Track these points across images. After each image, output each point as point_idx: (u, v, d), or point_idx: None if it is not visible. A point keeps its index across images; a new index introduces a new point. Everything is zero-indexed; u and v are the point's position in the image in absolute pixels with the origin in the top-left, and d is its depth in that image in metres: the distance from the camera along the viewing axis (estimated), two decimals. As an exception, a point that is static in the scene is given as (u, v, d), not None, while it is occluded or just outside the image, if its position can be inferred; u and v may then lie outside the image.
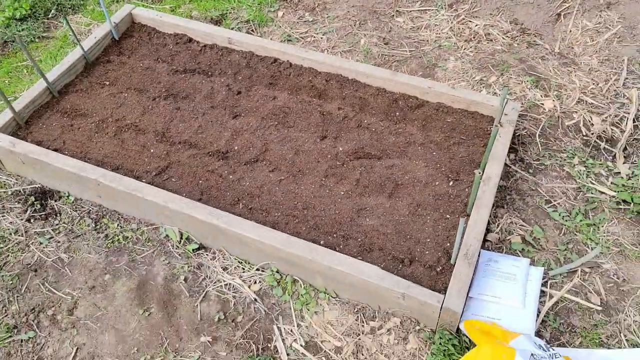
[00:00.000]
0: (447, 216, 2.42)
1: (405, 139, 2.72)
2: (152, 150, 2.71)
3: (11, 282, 2.39)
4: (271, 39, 3.50)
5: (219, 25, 3.63)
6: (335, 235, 2.37)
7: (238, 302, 2.31)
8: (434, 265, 2.25)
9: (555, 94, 3.03)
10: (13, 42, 3.74)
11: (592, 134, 2.83)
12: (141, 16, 3.38)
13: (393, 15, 3.61)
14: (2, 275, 2.40)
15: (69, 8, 3.96)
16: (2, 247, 2.50)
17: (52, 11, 3.93)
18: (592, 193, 2.61)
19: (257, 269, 2.40)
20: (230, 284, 2.37)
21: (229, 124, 2.82)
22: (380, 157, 2.65)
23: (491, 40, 3.37)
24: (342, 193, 2.51)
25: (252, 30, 3.58)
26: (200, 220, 2.34)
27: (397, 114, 2.83)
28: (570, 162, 2.74)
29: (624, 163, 2.70)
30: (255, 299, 2.32)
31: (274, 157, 2.66)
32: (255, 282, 2.37)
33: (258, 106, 2.89)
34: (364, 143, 2.70)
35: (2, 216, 2.61)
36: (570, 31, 3.34)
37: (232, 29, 3.56)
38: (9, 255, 2.48)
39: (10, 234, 2.55)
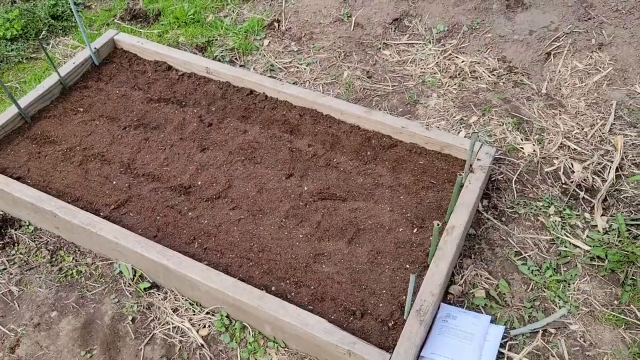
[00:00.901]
0: (407, 266, 2.32)
1: (374, 181, 2.63)
2: (114, 182, 2.66)
3: (-42, 314, 2.35)
4: (254, 68, 3.45)
5: (203, 52, 3.60)
6: (288, 282, 2.28)
7: (184, 348, 2.23)
8: (386, 320, 2.14)
9: (537, 138, 2.91)
10: (1, 62, 3.75)
11: (572, 182, 2.71)
12: (123, 42, 3.37)
13: (380, 48, 3.54)
14: (-50, 307, 2.36)
15: (60, 30, 3.97)
16: (-46, 277, 2.47)
17: (43, 32, 3.95)
18: (565, 246, 2.49)
19: (208, 312, 2.32)
20: (178, 327, 2.29)
21: (195, 157, 2.76)
22: (345, 199, 2.56)
23: (476, 77, 3.27)
24: (301, 236, 2.43)
25: (236, 59, 3.54)
26: (151, 260, 2.28)
27: (369, 153, 2.74)
28: (545, 211, 2.61)
29: (602, 215, 2.57)
30: (202, 345, 2.24)
31: (237, 195, 2.59)
32: (205, 327, 2.29)
33: (227, 140, 2.83)
34: (330, 183, 2.62)
35: (-40, 244, 2.58)
36: (560, 71, 3.23)
37: (216, 56, 3.53)
38: (-41, 285, 2.44)
39: (-35, 262, 2.52)
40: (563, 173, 2.76)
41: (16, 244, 2.60)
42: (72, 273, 2.48)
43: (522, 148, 2.87)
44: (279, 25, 3.74)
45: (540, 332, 2.21)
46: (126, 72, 3.26)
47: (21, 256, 2.55)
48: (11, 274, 2.48)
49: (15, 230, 2.65)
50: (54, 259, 2.53)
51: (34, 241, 2.60)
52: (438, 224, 2.04)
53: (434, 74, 3.34)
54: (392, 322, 2.13)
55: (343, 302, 2.21)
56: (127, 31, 3.79)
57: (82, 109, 3.04)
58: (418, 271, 2.28)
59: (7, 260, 2.53)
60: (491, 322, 2.23)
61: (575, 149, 2.85)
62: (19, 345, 2.25)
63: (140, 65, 3.29)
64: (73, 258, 2.53)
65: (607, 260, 2.40)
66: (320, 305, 2.20)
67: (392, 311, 2.17)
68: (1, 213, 2.70)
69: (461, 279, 2.39)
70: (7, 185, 2.56)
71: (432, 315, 2.12)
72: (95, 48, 3.26)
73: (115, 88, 3.16)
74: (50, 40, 3.86)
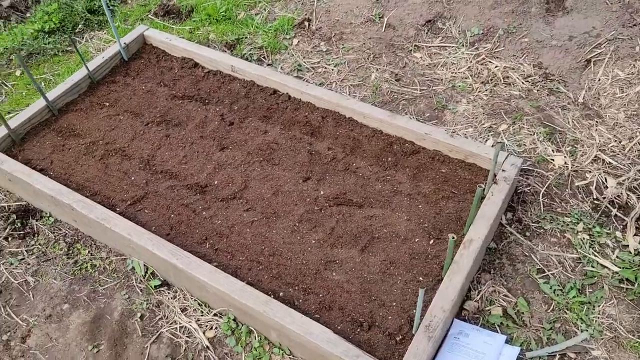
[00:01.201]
0: (420, 278, 2.23)
1: (393, 188, 2.55)
2: (132, 178, 2.67)
3: (-25, 301, 2.41)
4: (281, 67, 3.42)
5: (232, 50, 3.59)
6: (297, 288, 2.23)
7: (189, 348, 2.22)
8: (394, 334, 2.07)
9: (570, 149, 2.76)
10: (38, 54, 3.84)
11: (604, 198, 2.56)
12: (153, 38, 3.39)
13: (411, 50, 3.44)
14: (-32, 294, 2.42)
15: (95, 24, 4.03)
16: (-26, 264, 2.53)
17: (80, 26, 4.01)
18: (592, 266, 2.35)
19: (215, 314, 2.30)
20: (185, 327, 2.28)
21: (214, 156, 2.74)
22: (362, 206, 2.49)
23: (509, 84, 3.14)
24: (314, 242, 2.38)
25: (264, 57, 3.51)
26: (162, 258, 2.27)
27: (390, 159, 2.66)
28: (573, 228, 2.48)
29: (634, 235, 2.42)
30: (208, 347, 2.21)
31: (252, 196, 2.56)
32: (211, 328, 2.27)
33: (247, 140, 2.81)
34: (347, 188, 2.56)
35: (-18, 232, 2.64)
36: (599, 80, 3.06)
37: (244, 54, 3.50)
38: (-22, 273, 2.50)
39: (-14, 251, 2.58)
40: (595, 188, 2.61)
41: (36, 235, 2.64)
42: (86, 266, 2.50)
43: (553, 160, 2.73)
44: (309, 25, 3.69)
45: (559, 356, 2.09)
46: (153, 68, 3.28)
47: (40, 247, 2.59)
48: (28, 264, 2.52)
49: (37, 221, 2.69)
50: (70, 252, 2.56)
51: (53, 233, 2.64)
52: (453, 237, 1.96)
53: (465, 78, 3.22)
54: (400, 337, 2.06)
55: (351, 312, 2.14)
56: (160, 27, 3.82)
57: (107, 104, 3.07)
58: (431, 285, 2.19)
59: (26, 251, 2.57)
60: (506, 342, 2.13)
61: (610, 163, 2.69)
62: (30, 336, 2.28)
63: (168, 62, 3.30)
64: (89, 252, 2.55)
65: (636, 284, 2.26)
66: (327, 314, 2.14)
67: (401, 325, 2.09)
68: (24, 203, 2.75)
69: (477, 295, 2.29)
70: (30, 176, 2.60)
71: (442, 331, 2.04)
72: (125, 43, 3.28)
73: (141, 83, 3.18)
74: (85, 34, 3.92)
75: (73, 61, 3.73)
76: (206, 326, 2.27)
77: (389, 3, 3.64)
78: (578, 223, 2.49)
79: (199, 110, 2.98)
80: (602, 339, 2.15)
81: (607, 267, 2.34)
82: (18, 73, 3.63)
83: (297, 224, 2.44)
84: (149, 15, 4.00)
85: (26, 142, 2.87)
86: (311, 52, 3.53)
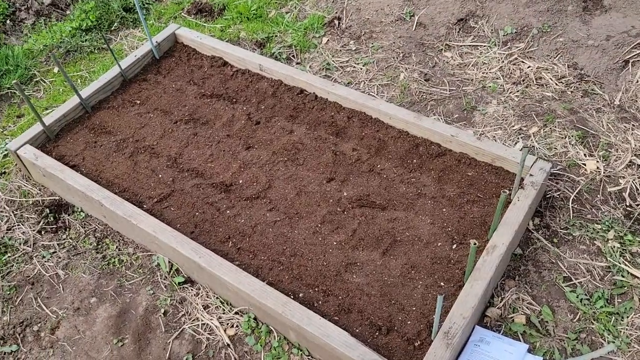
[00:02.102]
0: (442, 283, 2.20)
1: (417, 190, 2.52)
2: (160, 176, 2.72)
3: (8, 292, 2.49)
4: (310, 66, 3.42)
5: (262, 48, 3.61)
6: (316, 289, 2.24)
7: (210, 346, 2.25)
8: (412, 339, 2.05)
9: (603, 154, 2.68)
10: (75, 51, 3.94)
11: (638, 205, 2.47)
12: (184, 37, 3.43)
13: (441, 50, 3.39)
14: (2, 285, 2.51)
15: (130, 22, 4.11)
16: (9, 256, 2.62)
17: (115, 24, 4.10)
18: (622, 276, 2.28)
19: (237, 312, 2.33)
20: (207, 324, 2.31)
21: (240, 155, 2.77)
22: (385, 208, 2.48)
23: (542, 85, 3.06)
24: (335, 243, 2.38)
25: (293, 56, 3.52)
26: (185, 256, 2.31)
27: (415, 161, 2.64)
28: (604, 235, 2.40)
29: (668, 245, 2.33)
30: (228, 345, 2.24)
31: (275, 196, 2.57)
32: (232, 326, 2.30)
33: (273, 139, 2.82)
34: (371, 190, 2.54)
35: (18, 225, 2.73)
36: (637, 82, 2.95)
37: (274, 53, 3.52)
38: (13, 265, 2.59)
39: (20, 244, 2.67)
40: (629, 195, 2.52)
41: (67, 229, 2.72)
42: (114, 261, 2.56)
43: (585, 164, 2.65)
44: (339, 23, 3.68)
45: (582, 368, 2.04)
46: (184, 66, 3.33)
47: (70, 241, 2.66)
48: (60, 257, 2.60)
49: (69, 215, 2.78)
50: (99, 247, 2.63)
51: (84, 227, 2.71)
52: (475, 243, 1.93)
53: (496, 79, 3.16)
54: (419, 342, 2.04)
55: (370, 315, 2.14)
56: (192, 25, 3.87)
57: (139, 102, 3.13)
58: (452, 290, 2.16)
59: (57, 244, 2.65)
60: (528, 351, 2.08)
61: (645, 169, 2.60)
62: (59, 328, 2.36)
63: (198, 60, 3.34)
64: (116, 247, 2.61)
65: (668, 296, 2.18)
66: (346, 317, 2.14)
67: (420, 330, 2.07)
68: (57, 198, 2.84)
69: (500, 302, 2.25)
70: (62, 172, 2.68)
71: (461, 338, 2.01)
72: (156, 42, 3.34)
73: (172, 82, 3.23)
74: (120, 32, 4.01)
75: (108, 59, 3.82)
76: (227, 324, 2.30)
77: (420, 1, 3.60)
78: (609, 230, 2.41)
79: (226, 109, 3.01)
80: (629, 351, 2.08)
81: (638, 277, 2.26)
82: (56, 70, 3.74)
83: (319, 225, 2.44)
84: (182, 14, 4.06)
85: (60, 138, 2.96)
86: (340, 50, 3.52)
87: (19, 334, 2.36)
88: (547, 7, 3.32)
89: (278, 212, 2.51)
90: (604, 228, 2.42)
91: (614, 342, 2.09)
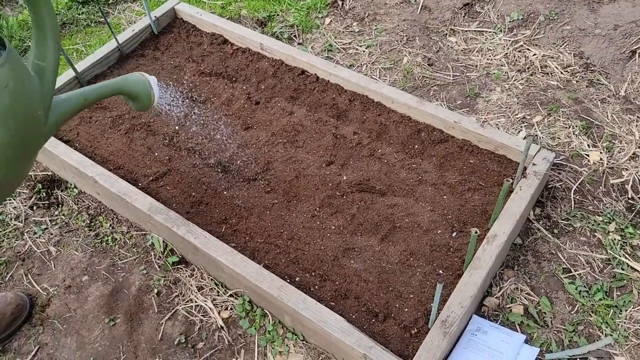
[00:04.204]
0: (440, 271, 2.17)
1: (418, 177, 2.48)
2: (156, 154, 2.66)
3: (-2, 268, 2.45)
4: (312, 47, 3.35)
5: (263, 27, 3.54)
6: (313, 274, 2.20)
7: (203, 328, 2.22)
8: (409, 326, 2.03)
9: (606, 145, 2.64)
10: (71, 24, 3.85)
11: (640, 198, 2.45)
12: (184, 12, 3.35)
13: (446, 34, 3.33)
14: (-8, 260, 2.47)
15: (129, -5, 4.02)
16: (0, 232, 2.57)
17: (113, -3, 4.01)
18: (622, 268, 2.25)
19: (231, 295, 2.29)
20: (201, 306, 2.28)
21: (238, 135, 2.71)
22: (385, 193, 2.44)
23: (547, 73, 3.01)
24: (333, 228, 2.34)
25: (295, 36, 3.44)
26: (180, 236, 2.27)
27: (416, 146, 2.59)
28: (604, 227, 2.38)
29: (669, 239, 2.31)
30: (222, 327, 2.21)
31: (273, 178, 2.53)
32: (226, 309, 2.26)
33: (272, 120, 2.77)
34: (371, 175, 2.50)
35: (9, 200, 2.68)
36: (644, 73, 2.91)
37: (275, 32, 3.45)
38: (3, 240, 2.54)
39: (11, 219, 2.61)
40: (631, 187, 2.49)
41: (60, 205, 2.67)
42: (107, 240, 2.51)
43: (588, 155, 2.62)
44: (342, 4, 3.61)
45: (579, 359, 2.03)
46: (183, 42, 3.25)
47: (63, 217, 2.61)
48: (52, 234, 2.55)
49: (62, 191, 2.72)
50: (92, 224, 2.58)
51: (77, 204, 2.66)
52: (476, 232, 1.89)
53: (501, 66, 3.10)
54: (416, 330, 2.01)
55: (367, 302, 2.11)
56: (192, 1, 3.78)
57: (136, 77, 3.05)
58: (451, 279, 2.14)
59: (50, 221, 2.60)
60: (525, 342, 2.06)
61: (649, 162, 2.57)
62: (49, 305, 2.32)
63: (197, 37, 3.27)
64: (110, 225, 2.57)
65: (668, 290, 2.16)
66: (342, 303, 2.11)
67: (417, 318, 2.04)
68: (50, 173, 2.78)
69: (499, 292, 2.22)
70: (56, 147, 2.61)
71: (459, 327, 1.98)
72: (155, 17, 3.26)
73: (170, 58, 3.16)
74: (118, 5, 3.92)
75: (105, 33, 3.73)
76: (221, 306, 2.27)
77: (426, -16, 3.52)
78: (610, 222, 2.39)
79: (225, 87, 2.95)
80: (627, 344, 2.06)
81: (637, 271, 2.24)
82: (51, 43, 3.64)
83: (317, 209, 2.40)
84: (182, -11, 3.96)
85: (54, 112, 2.88)
86: (343, 32, 3.45)
87: (9, 311, 2.32)
88: (555, -6, 3.26)
89: (276, 194, 2.47)
90: (605, 220, 2.40)
91: (611, 335, 2.08)
